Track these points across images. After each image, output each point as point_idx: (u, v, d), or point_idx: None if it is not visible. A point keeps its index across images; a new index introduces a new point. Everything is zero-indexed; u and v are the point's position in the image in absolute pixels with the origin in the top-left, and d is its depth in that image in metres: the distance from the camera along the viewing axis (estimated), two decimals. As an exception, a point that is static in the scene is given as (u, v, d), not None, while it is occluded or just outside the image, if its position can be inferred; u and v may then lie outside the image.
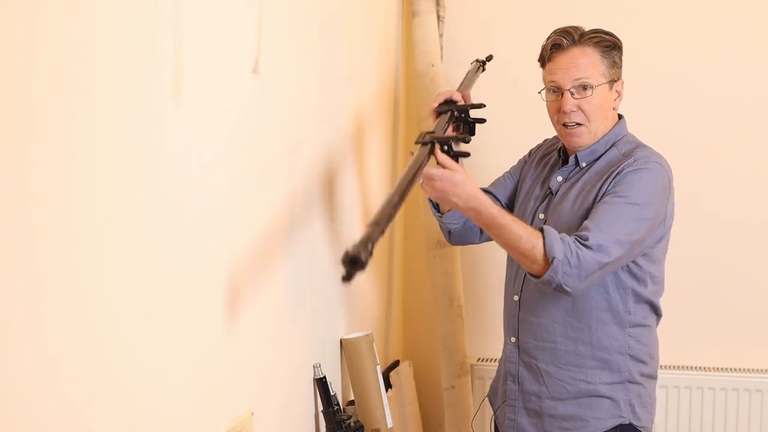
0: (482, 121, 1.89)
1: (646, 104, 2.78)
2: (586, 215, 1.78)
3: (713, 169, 2.76)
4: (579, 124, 1.84)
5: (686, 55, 2.77)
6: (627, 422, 1.86)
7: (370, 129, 2.47)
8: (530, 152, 2.13)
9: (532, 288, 1.87)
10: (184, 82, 1.26)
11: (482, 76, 2.14)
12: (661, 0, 2.78)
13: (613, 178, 1.79)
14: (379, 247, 2.56)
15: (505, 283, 2.02)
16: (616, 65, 1.88)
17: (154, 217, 1.20)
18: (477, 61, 2.15)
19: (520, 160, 2.14)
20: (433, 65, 2.69)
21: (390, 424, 2.09)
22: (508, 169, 2.15)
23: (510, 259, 1.97)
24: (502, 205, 2.02)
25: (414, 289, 2.89)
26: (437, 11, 2.80)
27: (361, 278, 2.33)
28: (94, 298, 1.06)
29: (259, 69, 1.47)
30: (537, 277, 1.72)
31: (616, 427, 1.86)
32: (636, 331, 1.87)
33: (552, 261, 1.67)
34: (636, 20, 2.80)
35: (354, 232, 2.27)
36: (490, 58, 2.16)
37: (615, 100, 1.89)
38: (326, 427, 1.88)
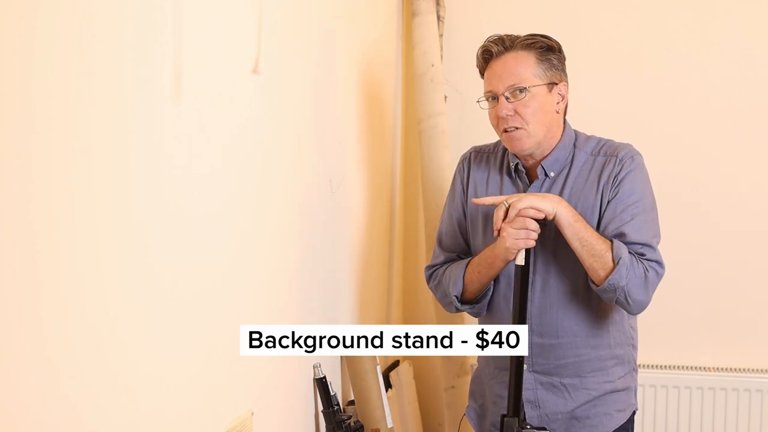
0: None
1: (647, 109, 2.78)
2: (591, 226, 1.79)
3: (714, 172, 2.76)
4: (517, 128, 1.80)
5: (687, 56, 2.77)
6: (636, 408, 1.94)
7: (370, 129, 2.47)
8: (461, 163, 2.03)
9: (543, 311, 1.84)
10: (184, 82, 1.26)
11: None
12: (661, 0, 2.78)
13: (614, 187, 1.79)
14: (379, 247, 2.57)
15: (497, 319, 1.91)
16: (555, 67, 1.83)
17: (154, 217, 1.20)
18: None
19: (451, 188, 2.03)
20: (433, 65, 2.69)
21: (390, 424, 2.09)
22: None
23: (501, 291, 1.91)
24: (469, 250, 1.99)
25: (414, 289, 2.89)
26: (437, 11, 2.80)
27: (361, 278, 2.34)
28: (94, 298, 1.05)
29: (259, 69, 1.47)
30: (599, 284, 1.74)
31: (631, 415, 1.92)
32: (633, 321, 1.94)
33: (618, 262, 1.72)
34: (636, 20, 2.81)
35: (354, 232, 2.27)
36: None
37: (558, 103, 1.84)
38: (326, 427, 1.88)
